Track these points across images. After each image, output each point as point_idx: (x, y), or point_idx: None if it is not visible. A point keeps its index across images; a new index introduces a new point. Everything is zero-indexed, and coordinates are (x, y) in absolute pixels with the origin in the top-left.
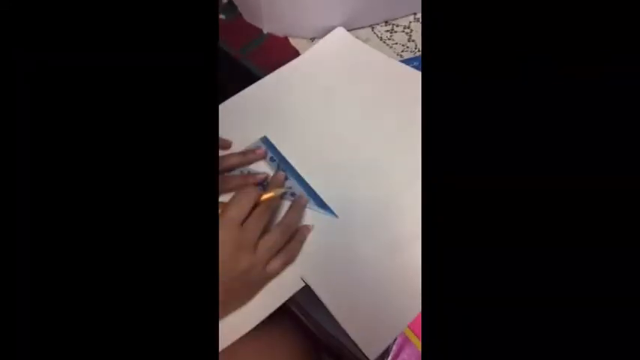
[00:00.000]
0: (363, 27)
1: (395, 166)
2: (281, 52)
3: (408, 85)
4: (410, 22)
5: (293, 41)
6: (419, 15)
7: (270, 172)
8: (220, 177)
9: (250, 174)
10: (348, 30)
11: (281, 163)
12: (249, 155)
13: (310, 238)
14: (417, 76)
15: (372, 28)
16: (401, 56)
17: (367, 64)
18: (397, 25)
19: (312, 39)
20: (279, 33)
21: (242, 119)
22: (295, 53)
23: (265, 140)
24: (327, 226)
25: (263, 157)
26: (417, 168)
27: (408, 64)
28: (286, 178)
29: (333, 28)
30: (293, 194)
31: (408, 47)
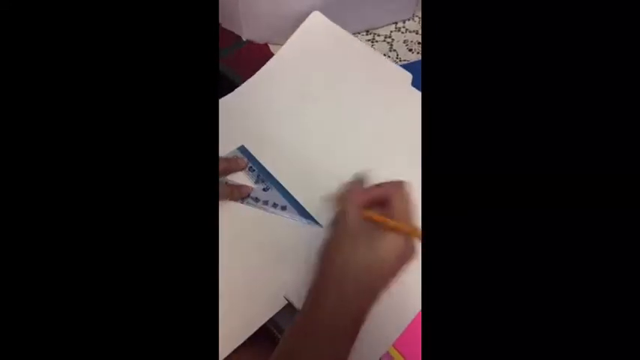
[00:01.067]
0: None
1: (378, 172)
2: (261, 57)
3: (392, 85)
4: (391, 31)
5: (273, 48)
6: (400, 24)
7: (249, 182)
8: None
9: (234, 184)
10: None
11: (261, 173)
12: (232, 162)
13: (294, 253)
14: (401, 75)
15: None
16: None
17: (349, 57)
18: (378, 35)
19: None
20: (259, 40)
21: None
22: None
23: (243, 150)
24: (312, 237)
25: (245, 166)
26: (399, 173)
27: None
28: (266, 189)
29: None
30: (275, 205)
31: (389, 57)
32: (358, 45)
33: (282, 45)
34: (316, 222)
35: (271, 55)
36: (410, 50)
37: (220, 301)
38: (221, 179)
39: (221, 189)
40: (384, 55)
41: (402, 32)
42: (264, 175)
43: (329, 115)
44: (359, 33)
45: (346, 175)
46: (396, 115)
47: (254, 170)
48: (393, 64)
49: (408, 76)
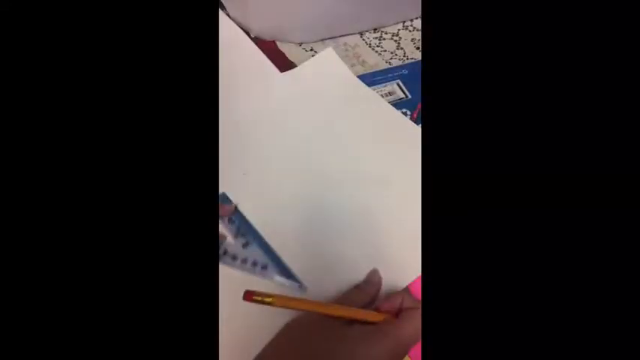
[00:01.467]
0: (351, 34)
1: (364, 229)
2: (267, 55)
3: (398, 136)
4: (399, 29)
5: (281, 46)
6: (407, 23)
7: (228, 235)
8: None
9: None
10: (337, 36)
11: (241, 225)
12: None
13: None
14: (410, 127)
15: (361, 35)
16: (389, 63)
17: (353, 101)
18: (386, 33)
19: (300, 44)
20: (267, 37)
21: None
22: (283, 58)
23: (224, 197)
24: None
25: (231, 212)
26: (390, 230)
27: (397, 71)
28: (245, 246)
29: (321, 34)
30: (255, 264)
31: (396, 55)
32: (365, 92)
33: (290, 42)
34: (299, 282)
35: (279, 51)
36: (417, 48)
37: None
38: None
39: None
40: (391, 52)
41: (410, 31)
42: (244, 228)
43: (318, 163)
44: (366, 31)
45: (333, 231)
46: (399, 163)
47: (234, 222)
48: (402, 116)
49: (416, 130)
